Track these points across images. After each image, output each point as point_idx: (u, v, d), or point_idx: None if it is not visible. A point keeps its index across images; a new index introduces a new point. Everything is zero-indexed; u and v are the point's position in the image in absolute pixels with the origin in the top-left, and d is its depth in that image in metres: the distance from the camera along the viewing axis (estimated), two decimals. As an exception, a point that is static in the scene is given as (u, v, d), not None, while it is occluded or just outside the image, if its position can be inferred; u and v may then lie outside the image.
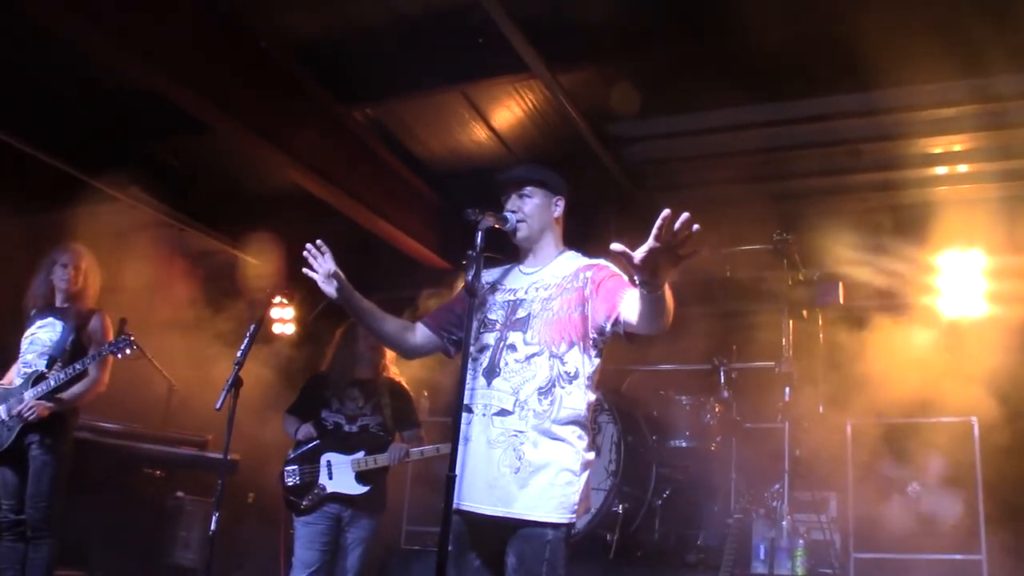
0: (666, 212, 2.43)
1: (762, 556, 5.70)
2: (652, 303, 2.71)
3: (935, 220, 6.70)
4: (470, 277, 2.98)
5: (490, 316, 3.18)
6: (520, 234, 3.23)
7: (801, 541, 5.63)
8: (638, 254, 2.52)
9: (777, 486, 5.99)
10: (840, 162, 6.95)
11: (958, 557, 5.73)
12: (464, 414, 3.06)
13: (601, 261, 3.17)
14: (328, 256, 3.19)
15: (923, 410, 6.20)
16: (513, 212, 3.23)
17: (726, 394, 6.53)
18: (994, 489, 5.83)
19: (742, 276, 7.37)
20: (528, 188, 3.26)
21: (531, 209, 3.24)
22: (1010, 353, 6.30)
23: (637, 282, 2.68)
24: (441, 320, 3.37)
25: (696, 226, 2.45)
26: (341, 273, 3.19)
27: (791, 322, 6.62)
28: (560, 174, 3.35)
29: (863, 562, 5.89)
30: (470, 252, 3.00)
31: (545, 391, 3.01)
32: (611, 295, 3.01)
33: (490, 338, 3.14)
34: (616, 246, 2.54)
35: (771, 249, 6.67)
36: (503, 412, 3.02)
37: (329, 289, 3.19)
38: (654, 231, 2.46)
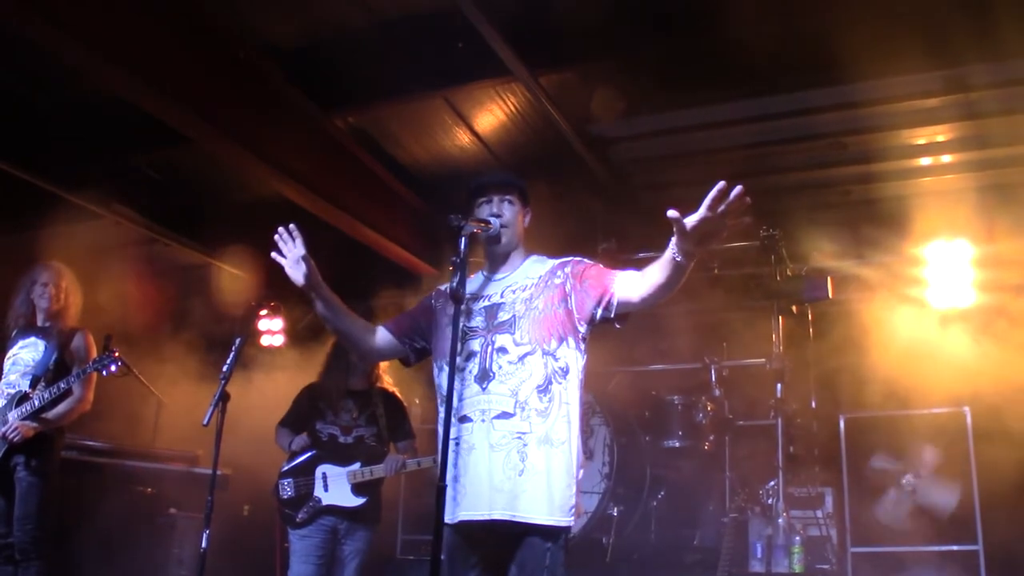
0: (721, 184, 2.63)
1: (759, 554, 5.68)
2: (680, 271, 2.80)
3: (920, 211, 6.70)
4: (455, 284, 2.96)
5: (470, 324, 3.16)
6: (503, 239, 3.22)
7: (798, 538, 5.61)
8: (690, 221, 2.67)
9: (772, 483, 5.97)
10: (824, 156, 6.95)
11: (955, 548, 5.73)
12: (462, 424, 3.04)
13: (572, 259, 3.21)
14: (299, 241, 3.17)
15: (915, 402, 6.20)
16: (497, 216, 3.21)
17: (718, 392, 6.52)
18: (988, 478, 5.83)
19: (730, 273, 7.36)
20: (510, 195, 3.27)
21: (511, 216, 3.25)
22: (1000, 342, 6.31)
23: (676, 250, 2.76)
24: (403, 327, 3.37)
25: (748, 199, 2.64)
26: (310, 259, 3.16)
27: (781, 318, 6.60)
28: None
29: (860, 556, 5.88)
30: (454, 259, 2.98)
31: (543, 388, 3.02)
32: (599, 280, 3.06)
33: (475, 344, 3.11)
34: (672, 213, 2.68)
35: (758, 245, 6.66)
36: (504, 415, 3.00)
37: (297, 275, 3.17)
38: (707, 202, 2.64)
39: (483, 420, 3.01)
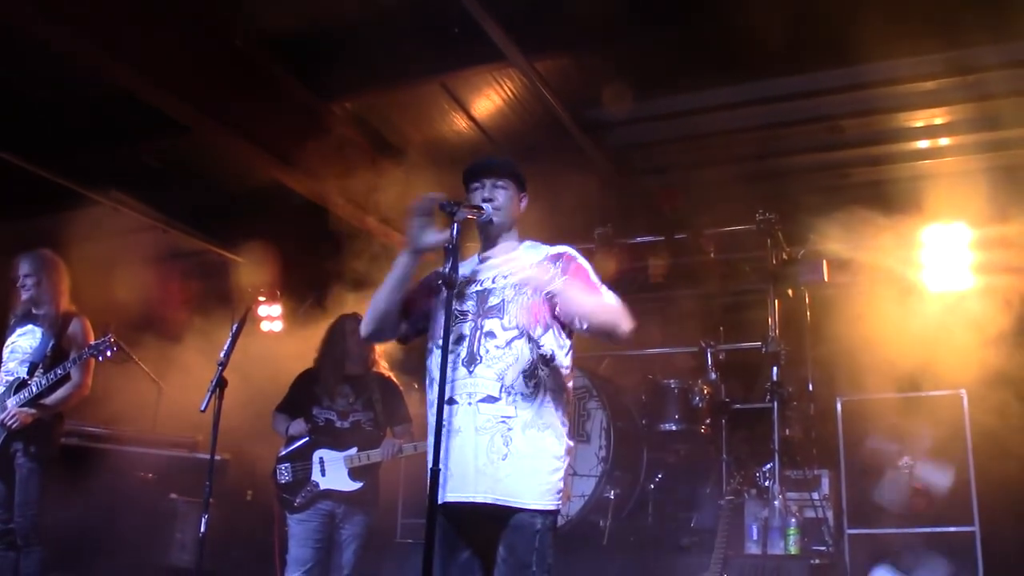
0: None
1: (755, 536, 5.71)
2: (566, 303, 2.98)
3: (918, 194, 6.70)
4: (447, 269, 2.99)
5: (462, 308, 3.19)
6: (496, 220, 3.24)
7: (794, 520, 5.63)
8: None
9: (768, 466, 6.00)
10: (821, 139, 6.95)
11: (951, 529, 5.75)
12: (448, 407, 3.05)
13: (567, 251, 3.24)
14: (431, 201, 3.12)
15: (912, 384, 6.21)
16: (489, 201, 3.24)
17: (714, 376, 6.54)
18: (985, 460, 5.85)
19: (726, 257, 7.37)
20: (503, 180, 3.28)
21: (503, 200, 3.27)
22: (997, 324, 6.32)
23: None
24: (415, 312, 3.35)
25: None
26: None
27: (777, 301, 6.61)
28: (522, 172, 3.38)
29: (857, 538, 5.90)
30: (447, 245, 3.01)
31: (529, 374, 3.05)
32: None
33: (465, 328, 3.14)
34: None
35: (755, 229, 6.66)
36: (489, 399, 3.03)
37: (439, 237, 3.12)
38: None
39: (469, 403, 3.05)
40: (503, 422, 3.01)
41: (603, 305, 3.07)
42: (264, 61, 6.03)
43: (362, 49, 5.90)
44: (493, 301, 3.16)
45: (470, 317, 3.16)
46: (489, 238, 3.31)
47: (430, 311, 3.33)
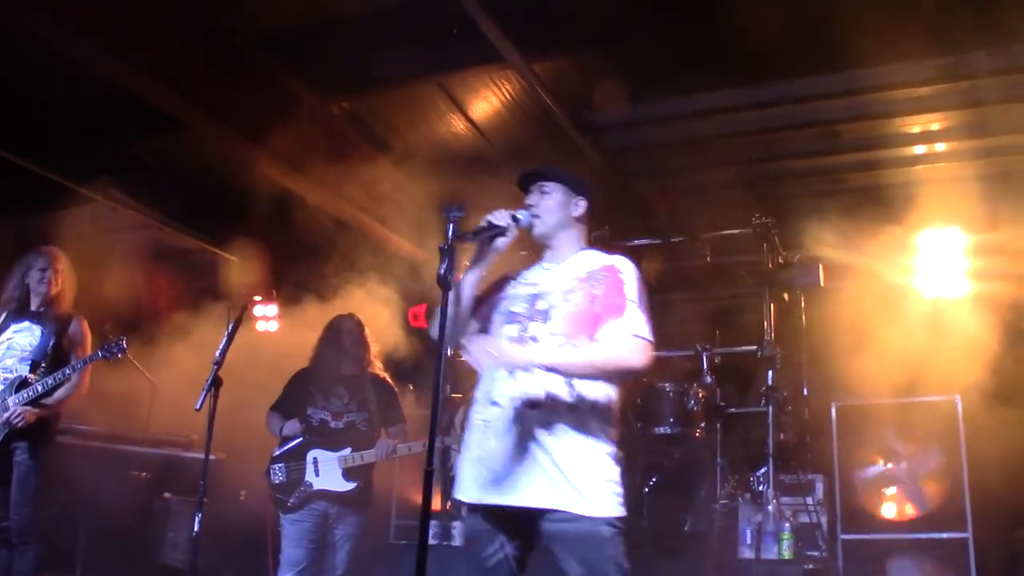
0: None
1: (749, 541, 5.69)
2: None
3: (914, 199, 6.72)
4: (443, 270, 2.97)
5: (512, 308, 3.18)
6: (535, 230, 3.23)
7: (787, 524, 5.62)
8: None
9: (763, 470, 5.99)
10: (818, 143, 6.97)
11: (945, 535, 5.75)
12: (489, 407, 3.06)
13: (615, 263, 3.19)
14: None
15: (907, 390, 6.21)
16: (531, 206, 3.23)
17: (709, 379, 6.53)
18: (978, 466, 5.86)
19: (722, 261, 7.38)
20: (548, 185, 3.25)
21: (548, 204, 3.23)
22: (992, 330, 6.34)
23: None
24: (486, 316, 3.32)
25: None
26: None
27: (772, 306, 6.61)
28: (579, 177, 3.35)
29: (850, 543, 5.91)
30: (442, 245, 2.99)
31: (571, 382, 3.01)
32: (605, 311, 3.06)
33: (513, 330, 3.13)
34: None
35: (751, 233, 6.67)
36: (532, 404, 2.97)
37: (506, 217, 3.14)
38: None
39: (512, 407, 3.01)
40: (546, 428, 2.98)
41: (595, 360, 2.98)
42: (262, 60, 6.03)
43: (360, 49, 5.90)
44: (541, 305, 3.14)
45: (519, 319, 3.14)
46: (542, 244, 3.30)
47: (494, 307, 3.29)
